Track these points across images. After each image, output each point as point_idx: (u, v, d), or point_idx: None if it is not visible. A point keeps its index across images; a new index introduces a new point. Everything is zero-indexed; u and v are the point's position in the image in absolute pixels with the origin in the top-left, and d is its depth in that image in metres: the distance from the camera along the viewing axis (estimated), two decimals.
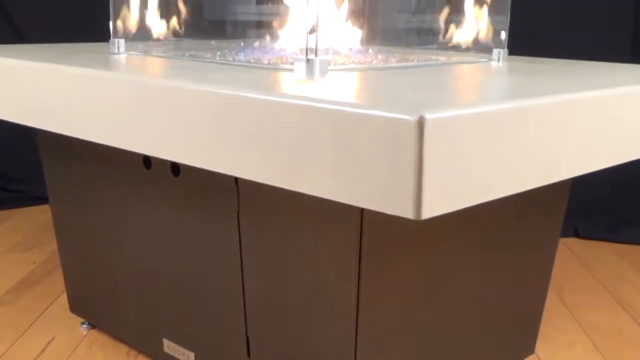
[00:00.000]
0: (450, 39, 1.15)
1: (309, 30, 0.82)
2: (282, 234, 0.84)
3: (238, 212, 0.88)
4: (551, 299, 1.44)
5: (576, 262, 1.69)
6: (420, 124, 0.53)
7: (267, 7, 1.20)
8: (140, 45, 1.13)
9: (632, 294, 1.49)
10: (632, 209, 1.91)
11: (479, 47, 1.13)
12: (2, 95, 0.98)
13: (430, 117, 0.54)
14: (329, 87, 0.73)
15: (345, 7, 1.09)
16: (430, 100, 0.62)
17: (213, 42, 1.28)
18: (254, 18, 1.34)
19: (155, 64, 0.94)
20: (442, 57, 1.12)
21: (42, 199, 2.02)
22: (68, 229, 1.20)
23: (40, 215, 2.00)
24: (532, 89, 0.72)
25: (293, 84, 0.74)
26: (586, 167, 0.73)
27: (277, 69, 0.87)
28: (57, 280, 1.48)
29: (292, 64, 0.89)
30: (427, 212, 0.55)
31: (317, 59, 0.81)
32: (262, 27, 1.33)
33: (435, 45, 1.18)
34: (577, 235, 1.86)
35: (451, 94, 0.67)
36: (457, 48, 1.15)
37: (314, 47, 0.82)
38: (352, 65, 0.91)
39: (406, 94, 0.65)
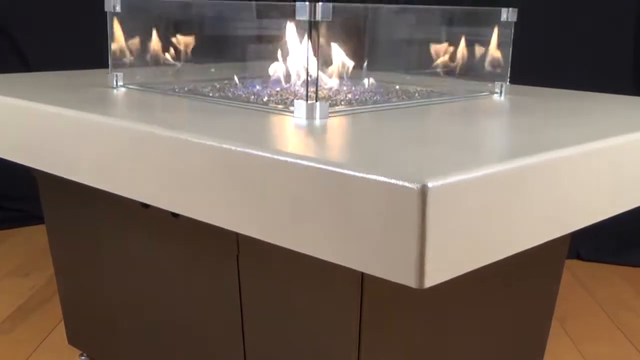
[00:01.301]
0: (453, 67, 1.14)
1: (309, 73, 0.81)
2: (282, 281, 0.83)
3: (237, 256, 0.87)
4: (555, 328, 1.43)
5: (579, 286, 1.68)
6: (423, 192, 0.52)
7: (267, 31, 1.19)
8: (139, 74, 1.12)
9: (634, 322, 1.48)
10: (635, 231, 1.90)
11: (481, 76, 1.12)
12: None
13: (432, 185, 0.52)
14: (329, 138, 0.72)
15: (345, 37, 1.08)
16: (432, 160, 0.60)
17: (212, 69, 1.27)
18: (254, 40, 1.33)
19: (151, 104, 0.93)
20: (444, 87, 1.11)
21: (41, 218, 2.00)
22: (66, 261, 1.19)
23: (39, 236, 1.98)
24: (536, 141, 0.71)
25: (292, 134, 0.73)
26: (592, 218, 0.71)
27: (277, 111, 0.86)
28: (56, 306, 1.46)
29: (292, 104, 0.88)
30: (430, 281, 0.54)
31: (318, 104, 0.80)
32: (262, 49, 1.32)
33: (437, 71, 1.17)
34: (579, 257, 1.85)
35: (453, 150, 0.66)
36: (459, 75, 1.14)
37: (314, 89, 0.81)
38: (352, 108, 0.89)
39: (408, 152, 0.64)
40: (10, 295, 1.56)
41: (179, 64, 1.16)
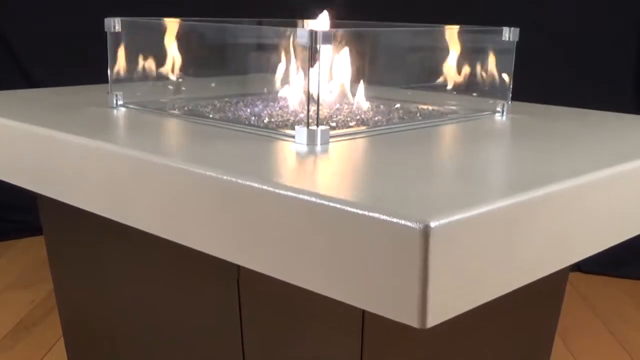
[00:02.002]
0: (454, 85, 1.13)
1: (309, 99, 0.81)
2: (283, 309, 0.83)
3: (238, 280, 0.87)
4: (557, 344, 1.42)
5: (580, 299, 1.67)
6: (426, 232, 0.52)
7: (269, 48, 1.18)
8: (139, 91, 1.11)
9: (635, 336, 1.48)
10: (635, 245, 1.90)
11: (483, 94, 1.12)
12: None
13: (435, 225, 0.52)
14: (330, 168, 0.72)
15: (346, 57, 1.08)
16: (434, 196, 0.60)
17: (213, 84, 1.27)
18: (255, 56, 1.32)
19: (151, 127, 0.93)
20: (445, 106, 1.11)
21: (40, 230, 2.00)
22: (68, 288, 1.19)
23: (39, 248, 1.97)
24: (539, 171, 0.71)
25: (293, 164, 0.72)
26: (595, 248, 0.71)
27: (278, 135, 0.85)
28: (57, 320, 1.46)
29: (293, 127, 0.88)
30: (432, 320, 0.53)
31: (319, 130, 0.80)
32: (263, 63, 1.32)
33: (439, 88, 1.16)
34: (580, 269, 1.85)
35: (455, 182, 0.65)
36: (460, 93, 1.14)
37: (314, 114, 0.81)
38: (354, 131, 0.89)
39: (409, 185, 0.63)
40: (10, 310, 1.56)
41: (178, 80, 1.16)
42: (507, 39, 1.07)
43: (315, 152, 0.78)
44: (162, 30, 1.08)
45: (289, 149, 0.79)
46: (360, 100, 1.10)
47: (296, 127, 0.81)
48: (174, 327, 1.01)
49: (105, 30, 1.05)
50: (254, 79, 1.22)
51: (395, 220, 0.53)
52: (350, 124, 0.96)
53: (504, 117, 1.07)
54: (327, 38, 0.78)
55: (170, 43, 1.08)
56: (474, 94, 1.12)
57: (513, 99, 1.09)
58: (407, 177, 0.66)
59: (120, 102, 1.07)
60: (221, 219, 0.67)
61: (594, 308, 1.62)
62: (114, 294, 1.10)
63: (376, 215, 0.54)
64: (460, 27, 1.12)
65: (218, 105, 1.09)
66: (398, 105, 1.12)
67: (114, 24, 1.05)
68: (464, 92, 1.13)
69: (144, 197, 0.75)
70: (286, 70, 1.01)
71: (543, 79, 1.87)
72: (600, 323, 1.54)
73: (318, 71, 0.79)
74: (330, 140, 0.82)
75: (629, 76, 1.97)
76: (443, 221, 0.53)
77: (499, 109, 1.09)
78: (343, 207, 0.57)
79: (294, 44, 0.89)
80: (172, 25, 1.12)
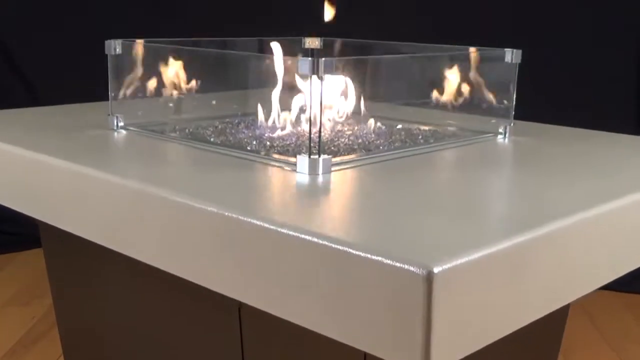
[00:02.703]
0: (457, 106, 1.13)
1: (311, 128, 0.80)
2: (284, 337, 0.82)
3: (239, 308, 0.86)
4: None
5: (582, 314, 1.67)
6: (429, 278, 0.51)
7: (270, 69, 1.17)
8: (140, 111, 1.11)
9: (637, 352, 1.47)
10: None
11: (485, 116, 1.11)
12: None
13: (438, 270, 0.52)
14: (331, 202, 0.71)
15: (348, 79, 1.07)
16: (437, 237, 0.59)
17: (214, 102, 1.26)
18: (256, 76, 1.32)
19: (151, 154, 0.92)
20: (447, 127, 1.10)
21: (40, 242, 1.99)
22: (70, 314, 1.19)
23: (40, 260, 1.96)
24: (542, 205, 0.70)
25: (294, 197, 0.72)
26: (597, 283, 0.71)
27: (280, 163, 0.85)
28: (57, 338, 1.45)
29: (294, 154, 0.87)
30: None
31: (320, 160, 0.80)
32: (263, 79, 1.31)
33: (441, 108, 1.16)
34: None
35: (458, 220, 0.65)
36: (463, 114, 1.13)
37: (316, 143, 0.80)
38: (355, 158, 0.88)
39: (412, 223, 0.63)
40: (10, 326, 1.55)
41: (179, 100, 1.15)
42: (509, 61, 1.06)
43: (317, 183, 0.77)
44: (162, 51, 1.08)
45: (291, 180, 0.78)
46: (362, 122, 1.09)
47: (298, 156, 0.80)
48: (174, 349, 1.01)
49: (106, 52, 1.04)
50: (255, 95, 1.21)
51: (398, 264, 0.53)
52: (353, 147, 0.95)
53: (506, 140, 1.06)
54: (329, 67, 0.78)
55: (171, 63, 1.08)
56: (476, 115, 1.11)
57: (516, 115, 1.08)
58: (409, 214, 0.66)
59: (121, 124, 1.06)
60: (222, 255, 0.67)
61: (596, 323, 1.62)
62: (114, 315, 1.10)
63: (379, 258, 0.54)
64: (462, 48, 1.11)
65: (219, 127, 1.09)
66: (400, 126, 1.12)
67: (115, 46, 1.04)
68: (466, 113, 1.12)
69: (143, 228, 0.75)
70: (288, 94, 1.00)
71: (546, 95, 1.87)
72: (602, 339, 1.53)
73: (320, 100, 0.79)
74: (332, 169, 0.82)
75: (631, 91, 1.97)
76: (446, 266, 0.52)
77: (501, 130, 1.09)
78: (346, 249, 0.56)
79: (295, 72, 0.89)
80: (172, 45, 1.11)
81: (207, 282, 0.69)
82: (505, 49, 1.06)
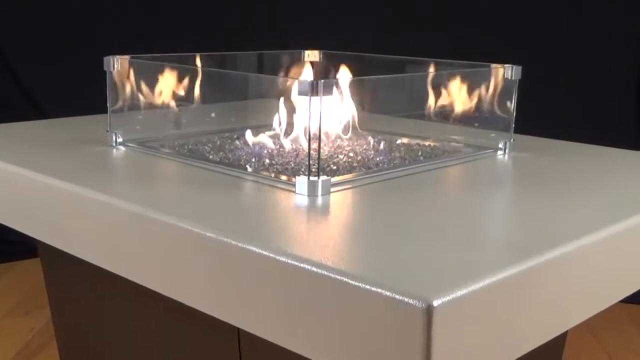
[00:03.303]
0: (457, 121, 1.12)
1: (310, 150, 0.80)
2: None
3: (238, 330, 0.86)
4: None
5: (585, 327, 1.66)
6: (429, 312, 0.51)
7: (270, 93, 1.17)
8: (139, 126, 1.11)
9: None
10: None
11: (486, 130, 1.11)
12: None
13: (438, 303, 0.51)
14: (330, 226, 0.71)
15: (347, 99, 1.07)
16: (436, 267, 0.59)
17: (213, 114, 1.25)
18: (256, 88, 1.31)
19: (149, 174, 0.92)
20: (447, 142, 1.10)
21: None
22: (68, 329, 1.18)
23: (39, 270, 1.96)
24: (543, 229, 0.70)
25: (293, 222, 0.72)
26: (598, 308, 0.70)
27: (279, 183, 0.84)
28: (56, 351, 1.44)
29: (294, 172, 0.87)
30: None
31: (320, 181, 0.79)
32: (262, 90, 1.31)
33: (440, 121, 1.15)
34: None
35: (458, 247, 0.64)
36: (463, 128, 1.12)
37: (315, 164, 0.80)
38: (355, 177, 0.88)
39: (412, 252, 0.62)
40: (9, 338, 1.55)
41: (178, 114, 1.15)
42: (509, 77, 1.06)
43: (316, 205, 0.77)
44: (160, 68, 1.07)
45: (290, 201, 0.78)
46: (361, 137, 1.09)
47: (297, 177, 0.80)
48: None
49: (105, 69, 1.04)
50: (254, 106, 1.20)
51: (398, 297, 0.52)
52: (352, 164, 0.95)
53: (506, 156, 1.06)
54: (328, 88, 0.78)
55: (169, 80, 1.08)
56: (476, 130, 1.11)
57: (517, 128, 1.08)
58: (408, 241, 0.65)
59: (119, 140, 1.06)
60: (220, 280, 0.66)
61: (598, 335, 1.61)
62: (113, 331, 1.09)
63: (378, 290, 0.54)
64: (461, 64, 1.11)
65: (218, 143, 1.08)
66: (399, 141, 1.12)
67: (113, 63, 1.04)
68: (466, 129, 1.12)
69: (141, 251, 0.74)
70: (287, 112, 1.00)
71: (546, 108, 1.87)
72: (604, 351, 1.53)
73: (319, 122, 0.79)
74: (332, 189, 0.81)
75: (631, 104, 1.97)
76: (446, 299, 0.52)
77: (501, 145, 1.08)
78: (345, 279, 0.56)
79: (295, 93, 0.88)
80: (171, 64, 1.11)
81: (204, 307, 0.69)
82: (505, 65, 1.06)
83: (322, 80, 0.76)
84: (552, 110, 1.96)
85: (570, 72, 2.00)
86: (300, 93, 0.77)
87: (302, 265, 0.59)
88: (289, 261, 0.60)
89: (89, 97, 1.33)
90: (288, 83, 0.86)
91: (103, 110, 1.07)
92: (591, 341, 1.60)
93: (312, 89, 0.76)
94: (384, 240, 0.65)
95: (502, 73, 1.06)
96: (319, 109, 0.78)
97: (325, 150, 1.00)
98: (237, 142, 1.09)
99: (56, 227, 0.87)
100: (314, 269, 0.58)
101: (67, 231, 0.85)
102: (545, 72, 1.91)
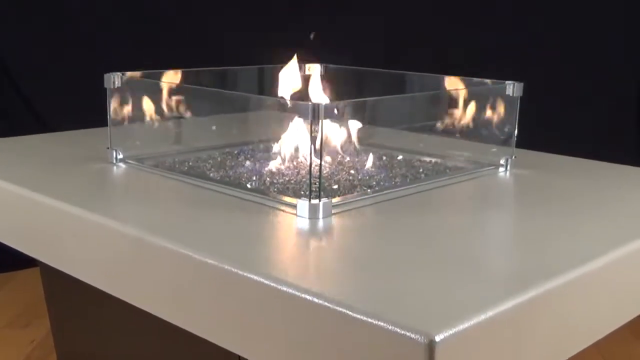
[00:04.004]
0: (458, 136, 1.12)
1: (312, 172, 0.80)
2: None
3: (239, 357, 0.85)
4: None
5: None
6: (431, 347, 0.51)
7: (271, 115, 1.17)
8: (140, 142, 1.10)
9: None
10: None
11: (487, 146, 1.10)
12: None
13: (440, 338, 0.51)
14: (331, 251, 0.70)
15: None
16: (438, 300, 0.58)
17: (214, 127, 1.25)
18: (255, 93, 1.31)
19: (150, 194, 0.91)
20: (449, 158, 1.09)
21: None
22: (68, 343, 1.18)
23: (40, 279, 1.96)
24: (546, 256, 0.69)
25: (294, 248, 0.71)
26: (599, 334, 0.70)
27: (280, 205, 0.84)
28: None
29: (295, 192, 0.87)
30: None
31: (321, 204, 0.79)
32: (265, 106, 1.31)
33: (442, 137, 1.15)
34: None
35: (460, 276, 0.64)
36: (464, 143, 1.12)
37: (316, 186, 0.80)
38: (356, 198, 0.87)
39: (413, 282, 0.62)
40: (9, 351, 1.54)
41: (179, 130, 1.14)
42: (510, 94, 1.06)
43: (317, 229, 0.77)
44: (161, 84, 1.07)
45: (291, 225, 0.78)
46: (362, 153, 1.08)
47: (298, 201, 0.80)
48: None
49: (105, 86, 1.04)
50: (255, 118, 1.20)
51: (399, 331, 0.52)
52: (353, 182, 0.94)
53: (508, 173, 1.06)
54: (329, 112, 0.77)
55: (169, 96, 1.07)
56: (478, 147, 1.11)
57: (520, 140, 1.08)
58: (410, 269, 0.65)
59: (120, 156, 1.05)
60: (220, 307, 0.66)
61: (602, 350, 1.61)
62: (113, 346, 1.09)
63: (379, 323, 0.53)
64: (463, 80, 1.10)
65: (219, 159, 1.08)
66: (400, 157, 1.11)
67: (114, 80, 1.04)
68: (468, 145, 1.11)
69: (141, 275, 0.74)
70: (288, 132, 1.00)
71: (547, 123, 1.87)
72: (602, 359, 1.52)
73: (320, 145, 0.78)
74: (333, 211, 0.81)
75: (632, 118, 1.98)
76: (448, 333, 0.52)
77: (502, 162, 1.08)
78: (345, 311, 0.55)
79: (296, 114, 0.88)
80: (170, 77, 1.11)
81: (204, 333, 0.68)
82: (507, 82, 1.06)
83: (323, 104, 0.76)
84: (555, 122, 1.96)
85: (571, 85, 2.00)
86: (301, 117, 0.77)
87: (303, 295, 0.58)
88: (290, 291, 0.59)
89: (90, 104, 1.32)
90: (289, 105, 0.86)
91: (104, 117, 1.06)
92: (595, 356, 1.59)
93: (313, 113, 0.76)
94: (385, 269, 0.65)
95: (503, 90, 1.06)
96: (320, 132, 0.78)
97: (326, 167, 1.00)
98: (238, 158, 1.09)
99: (56, 248, 0.86)
100: (315, 299, 0.57)
101: (67, 253, 0.85)
102: (546, 84, 1.91)
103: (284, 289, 0.60)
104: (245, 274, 0.63)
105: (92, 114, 1.29)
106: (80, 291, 1.13)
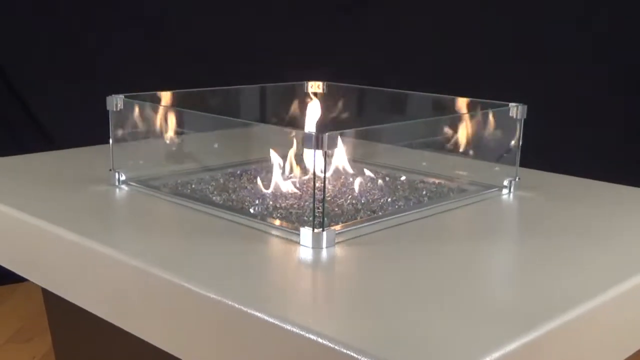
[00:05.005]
0: (462, 158, 1.12)
1: (315, 202, 0.79)
2: None
3: None
4: None
5: None
6: None
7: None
8: (142, 164, 1.10)
9: None
10: None
11: (490, 167, 1.10)
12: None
13: None
14: (335, 285, 0.70)
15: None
16: (441, 342, 0.58)
17: (216, 145, 1.25)
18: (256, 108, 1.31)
19: (152, 220, 0.91)
20: (451, 179, 1.09)
21: None
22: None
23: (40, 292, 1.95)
24: (550, 290, 0.69)
25: (297, 281, 0.71)
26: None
27: (283, 232, 0.83)
28: None
29: (298, 219, 0.86)
30: None
31: (324, 234, 0.79)
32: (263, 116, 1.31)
33: (445, 158, 1.14)
34: None
35: (463, 315, 0.63)
36: (468, 164, 1.12)
37: (320, 215, 0.79)
38: (359, 225, 0.87)
39: (415, 325, 0.62)
40: None
41: (181, 150, 1.14)
42: (514, 116, 1.05)
43: (320, 259, 0.76)
44: (162, 107, 1.07)
45: (294, 254, 0.77)
46: (364, 174, 1.08)
47: (301, 229, 0.79)
48: None
49: (107, 108, 1.04)
50: (257, 133, 1.19)
51: None
52: (357, 206, 0.94)
53: (511, 196, 1.05)
54: (333, 142, 0.77)
55: (172, 118, 1.07)
56: (481, 167, 1.10)
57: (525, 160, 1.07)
58: (414, 307, 0.64)
59: (122, 178, 1.05)
60: (222, 341, 0.66)
61: None
62: None
63: None
64: (466, 101, 1.10)
65: (221, 181, 1.08)
66: (403, 178, 1.11)
67: (116, 102, 1.04)
68: (471, 166, 1.11)
69: (144, 306, 0.74)
70: (291, 158, 1.00)
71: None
72: None
73: (323, 174, 0.78)
74: (336, 239, 0.81)
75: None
76: None
77: (506, 183, 1.07)
78: (349, 352, 0.55)
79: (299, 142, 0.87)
80: (174, 98, 1.11)
81: None
82: (510, 104, 1.05)
83: (327, 134, 0.76)
84: (562, 140, 1.97)
85: (579, 102, 2.00)
86: (305, 146, 0.77)
87: (306, 335, 0.58)
88: (293, 329, 0.59)
89: (94, 118, 1.32)
90: (292, 134, 0.86)
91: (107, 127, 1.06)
92: None
93: (317, 143, 0.76)
94: (389, 307, 0.64)
95: (507, 112, 1.06)
96: (323, 162, 0.77)
97: (329, 190, 1.00)
98: (240, 179, 1.09)
99: (56, 275, 0.86)
100: (319, 339, 0.57)
101: (67, 279, 0.85)
102: (551, 102, 1.91)
103: (288, 327, 0.60)
104: (247, 310, 0.63)
105: (99, 127, 1.29)
106: (82, 310, 1.13)
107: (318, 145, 0.76)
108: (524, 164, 1.09)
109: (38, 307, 1.84)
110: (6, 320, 1.80)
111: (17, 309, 1.88)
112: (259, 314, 0.62)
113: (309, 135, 0.76)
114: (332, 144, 0.76)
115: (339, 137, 0.77)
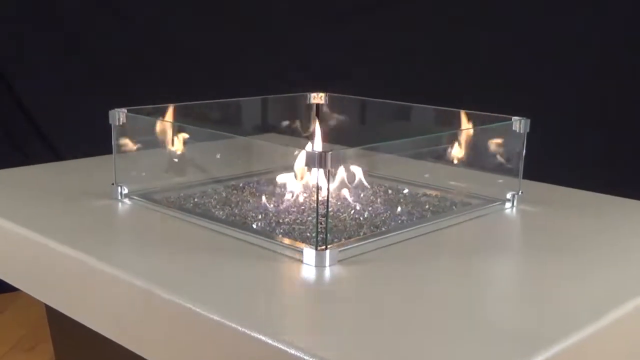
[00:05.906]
0: (465, 170, 1.11)
1: (319, 220, 0.79)
2: None
3: None
4: None
5: None
6: None
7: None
8: (145, 178, 1.10)
9: None
10: None
11: (493, 181, 1.10)
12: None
13: None
14: (336, 309, 0.70)
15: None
16: None
17: (218, 155, 1.24)
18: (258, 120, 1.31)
19: (155, 237, 0.91)
20: (454, 193, 1.09)
21: None
22: None
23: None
24: (557, 310, 0.69)
25: (298, 302, 0.71)
26: None
27: (286, 250, 0.83)
28: None
29: (301, 235, 0.86)
30: None
31: (327, 252, 0.79)
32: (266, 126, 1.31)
33: (448, 170, 1.14)
34: None
35: (466, 338, 0.63)
36: (471, 177, 1.11)
37: (323, 234, 0.79)
38: (362, 242, 0.87)
39: (418, 351, 0.61)
40: None
41: (184, 164, 1.14)
42: (517, 130, 1.05)
43: (323, 279, 0.76)
44: (164, 122, 1.07)
45: (297, 273, 0.77)
46: (367, 188, 1.08)
47: (304, 248, 0.79)
48: None
49: (110, 122, 1.04)
50: (259, 146, 1.19)
51: None
52: (359, 221, 0.94)
53: (514, 210, 1.05)
54: (336, 160, 0.77)
55: (174, 132, 1.07)
56: (484, 181, 1.10)
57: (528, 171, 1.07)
58: (418, 331, 0.64)
59: (125, 192, 1.05)
60: None
61: None
62: None
63: None
64: (469, 114, 1.10)
65: (224, 195, 1.08)
66: (406, 191, 1.11)
67: (119, 117, 1.04)
68: (474, 178, 1.11)
69: (145, 325, 0.74)
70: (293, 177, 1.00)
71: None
72: None
73: (327, 193, 0.78)
74: (339, 257, 0.80)
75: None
76: None
77: (509, 197, 1.07)
78: None
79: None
80: (174, 111, 1.11)
81: None
82: (514, 118, 1.05)
83: (330, 153, 0.76)
84: (567, 151, 1.96)
85: (582, 113, 2.00)
86: (307, 165, 0.77)
87: (306, 358, 0.58)
88: (297, 354, 0.59)
89: (98, 129, 1.32)
90: (295, 153, 0.85)
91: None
92: None
93: (320, 161, 0.76)
94: (392, 329, 0.64)
95: (510, 126, 1.06)
96: (326, 180, 0.77)
97: (332, 203, 0.99)
98: (242, 192, 1.08)
99: (59, 293, 0.86)
100: None
101: (69, 297, 0.84)
102: (552, 114, 1.91)
103: (292, 352, 0.59)
104: (250, 333, 0.63)
105: (100, 134, 1.29)
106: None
107: (321, 164, 0.76)
108: (527, 176, 1.09)
109: (40, 315, 1.84)
110: (9, 329, 1.80)
111: (19, 316, 1.88)
112: (261, 337, 0.62)
113: (312, 153, 0.76)
114: (335, 162, 0.76)
115: (341, 154, 0.77)
